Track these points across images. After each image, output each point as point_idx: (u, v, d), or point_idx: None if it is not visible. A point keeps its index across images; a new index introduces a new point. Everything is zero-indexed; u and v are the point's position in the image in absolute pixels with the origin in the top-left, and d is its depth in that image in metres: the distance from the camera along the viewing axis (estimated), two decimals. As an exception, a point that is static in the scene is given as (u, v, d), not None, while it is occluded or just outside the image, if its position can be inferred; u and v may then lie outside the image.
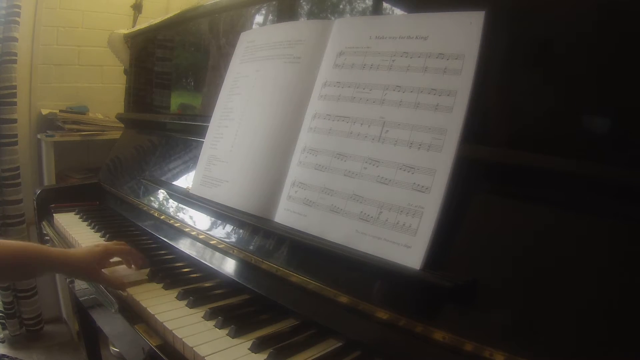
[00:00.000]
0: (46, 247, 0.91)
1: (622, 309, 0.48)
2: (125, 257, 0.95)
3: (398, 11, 0.84)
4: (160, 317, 0.74)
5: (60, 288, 2.19)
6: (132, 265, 0.95)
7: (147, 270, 0.93)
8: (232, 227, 0.93)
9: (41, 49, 2.08)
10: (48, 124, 2.08)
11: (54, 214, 1.39)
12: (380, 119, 0.72)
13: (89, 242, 1.12)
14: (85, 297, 1.14)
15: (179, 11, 1.41)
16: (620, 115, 0.57)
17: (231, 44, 1.11)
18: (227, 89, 1.03)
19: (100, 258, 0.89)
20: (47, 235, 1.32)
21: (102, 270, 0.89)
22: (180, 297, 0.82)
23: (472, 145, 0.64)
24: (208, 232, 0.97)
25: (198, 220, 1.02)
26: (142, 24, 1.66)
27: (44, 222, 1.37)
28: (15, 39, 1.90)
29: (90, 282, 0.94)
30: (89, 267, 0.87)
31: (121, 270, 0.95)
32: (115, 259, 0.94)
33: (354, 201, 0.71)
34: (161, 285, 0.87)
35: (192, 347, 0.66)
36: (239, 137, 0.95)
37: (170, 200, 1.14)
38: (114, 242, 0.95)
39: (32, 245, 0.91)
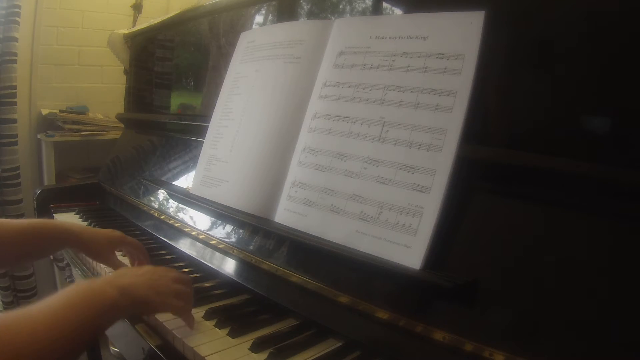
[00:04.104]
0: (62, 221, 0.93)
1: (622, 309, 0.48)
2: (135, 252, 0.96)
3: (398, 11, 0.84)
4: (159, 317, 0.74)
5: (60, 288, 2.19)
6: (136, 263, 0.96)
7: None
8: (232, 227, 0.93)
9: (41, 49, 2.09)
10: (48, 124, 2.09)
11: (54, 214, 1.38)
12: (380, 119, 0.72)
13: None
14: (85, 297, 1.14)
15: (179, 11, 1.41)
16: (620, 115, 0.57)
17: (231, 44, 1.11)
18: (227, 89, 1.03)
19: (116, 243, 0.92)
20: (47, 235, 1.32)
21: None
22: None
23: (472, 145, 0.64)
24: (208, 232, 0.97)
25: (198, 220, 1.02)
26: (142, 24, 1.66)
27: (44, 222, 1.37)
28: (15, 39, 1.90)
29: (99, 262, 0.95)
30: (102, 247, 0.89)
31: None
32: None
33: (354, 201, 0.71)
34: (161, 285, 0.87)
35: (192, 347, 0.66)
36: (239, 137, 0.95)
37: (170, 200, 1.14)
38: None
39: (48, 220, 0.92)
